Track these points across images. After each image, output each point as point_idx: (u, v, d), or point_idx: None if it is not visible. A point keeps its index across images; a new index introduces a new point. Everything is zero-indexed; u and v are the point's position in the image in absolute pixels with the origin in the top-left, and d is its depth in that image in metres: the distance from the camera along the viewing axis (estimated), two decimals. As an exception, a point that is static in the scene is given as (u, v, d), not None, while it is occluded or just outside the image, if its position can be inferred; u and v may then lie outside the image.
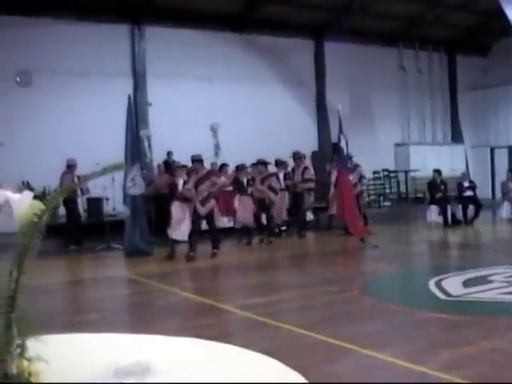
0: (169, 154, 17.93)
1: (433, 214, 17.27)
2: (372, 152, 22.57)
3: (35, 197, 1.85)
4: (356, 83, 22.90)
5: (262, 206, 15.13)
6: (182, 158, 15.30)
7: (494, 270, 9.73)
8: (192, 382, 2.06)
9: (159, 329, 7.23)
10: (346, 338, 6.21)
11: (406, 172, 23.42)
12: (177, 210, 12.61)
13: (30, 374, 1.77)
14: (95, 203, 15.88)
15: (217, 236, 13.01)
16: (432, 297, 8.24)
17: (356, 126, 20.79)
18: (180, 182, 12.82)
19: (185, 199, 12.56)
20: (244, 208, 15.09)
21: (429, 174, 18.74)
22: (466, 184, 17.60)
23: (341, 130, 14.73)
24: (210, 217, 12.77)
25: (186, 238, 12.54)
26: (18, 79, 17.56)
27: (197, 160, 12.75)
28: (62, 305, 9.19)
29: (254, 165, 15.63)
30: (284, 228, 16.60)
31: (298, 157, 16.57)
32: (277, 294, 9.01)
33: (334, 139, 18.89)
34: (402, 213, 21.30)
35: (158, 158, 18.13)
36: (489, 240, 15.60)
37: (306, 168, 16.47)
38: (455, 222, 17.13)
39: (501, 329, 6.70)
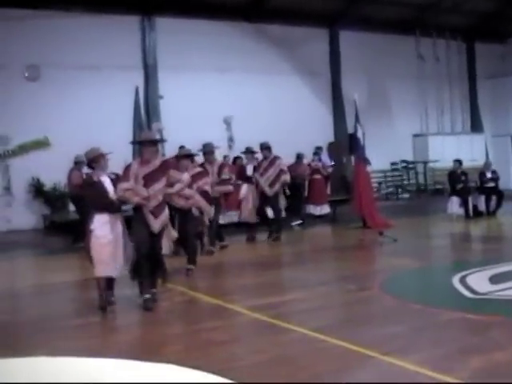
0: (181, 147, 17.48)
1: (454, 205, 16.67)
2: (390, 143, 22.32)
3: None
4: (372, 72, 22.40)
5: (186, 218, 10.18)
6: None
7: (523, 265, 9.20)
8: None
9: (165, 333, 6.85)
10: (364, 342, 5.74)
11: (425, 163, 23.11)
12: (104, 228, 7.74)
13: None
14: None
15: (162, 266, 8.42)
16: (457, 295, 7.77)
17: (373, 117, 20.34)
18: (106, 181, 7.78)
19: (119, 208, 7.88)
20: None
21: (448, 164, 18.24)
22: (489, 174, 17.00)
23: (357, 120, 14.39)
24: (159, 236, 7.98)
25: (119, 272, 7.93)
26: (26, 73, 17.35)
27: (149, 141, 8.00)
28: (66, 305, 8.80)
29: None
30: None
31: (208, 150, 12.62)
32: (290, 293, 8.58)
33: (350, 129, 18.46)
34: (421, 205, 20.84)
35: (170, 151, 17.71)
36: (514, 232, 15.04)
37: (222, 166, 12.80)
38: (477, 214, 16.59)
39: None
